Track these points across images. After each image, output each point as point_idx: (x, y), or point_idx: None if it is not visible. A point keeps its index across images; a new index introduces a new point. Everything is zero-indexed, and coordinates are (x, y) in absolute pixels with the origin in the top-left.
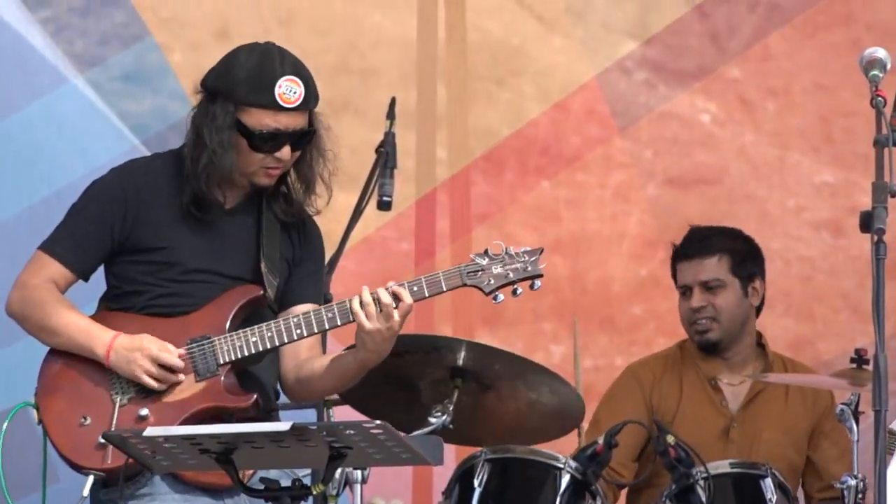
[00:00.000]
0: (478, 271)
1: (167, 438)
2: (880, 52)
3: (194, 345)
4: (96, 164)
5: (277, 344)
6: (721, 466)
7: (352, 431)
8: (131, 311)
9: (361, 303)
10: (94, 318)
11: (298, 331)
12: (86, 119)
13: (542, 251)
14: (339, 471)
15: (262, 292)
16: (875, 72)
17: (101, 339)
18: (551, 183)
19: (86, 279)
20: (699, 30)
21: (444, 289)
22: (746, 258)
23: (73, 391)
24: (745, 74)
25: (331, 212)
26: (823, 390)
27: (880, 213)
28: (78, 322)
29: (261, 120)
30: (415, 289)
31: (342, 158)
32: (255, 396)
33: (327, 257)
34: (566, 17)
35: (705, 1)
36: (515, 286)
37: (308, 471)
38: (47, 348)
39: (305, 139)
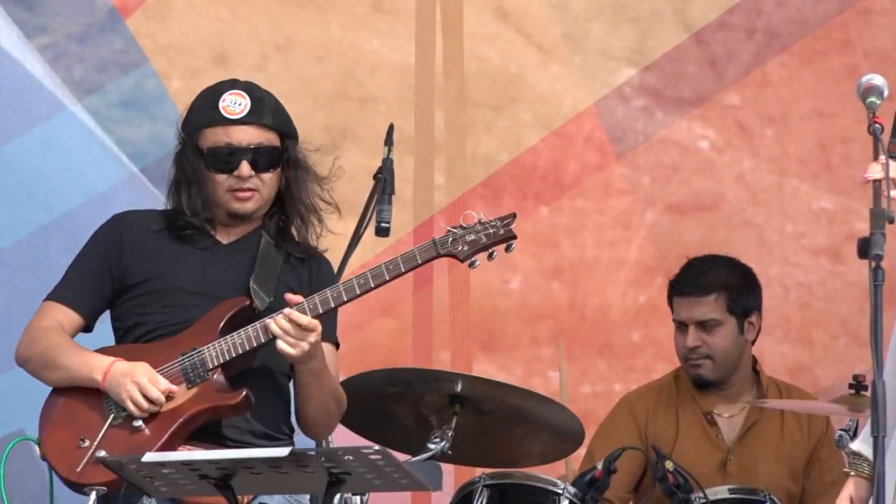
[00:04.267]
0: (451, 240)
1: (165, 464)
2: (877, 79)
3: (185, 357)
4: (95, 191)
5: (263, 341)
6: (720, 492)
7: (351, 457)
8: (130, 342)
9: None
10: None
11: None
12: (84, 146)
13: (514, 216)
14: (337, 496)
15: (248, 302)
16: (872, 98)
17: (99, 364)
18: (550, 209)
19: (90, 323)
20: (697, 56)
21: (420, 262)
22: (743, 294)
23: (70, 420)
24: (743, 101)
25: (329, 238)
26: (819, 416)
27: (878, 240)
28: (78, 352)
29: (211, 138)
30: (391, 267)
31: (340, 185)
32: (245, 392)
33: None
34: (564, 44)
35: (703, 28)
36: (491, 250)
37: (307, 496)
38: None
39: (268, 156)
